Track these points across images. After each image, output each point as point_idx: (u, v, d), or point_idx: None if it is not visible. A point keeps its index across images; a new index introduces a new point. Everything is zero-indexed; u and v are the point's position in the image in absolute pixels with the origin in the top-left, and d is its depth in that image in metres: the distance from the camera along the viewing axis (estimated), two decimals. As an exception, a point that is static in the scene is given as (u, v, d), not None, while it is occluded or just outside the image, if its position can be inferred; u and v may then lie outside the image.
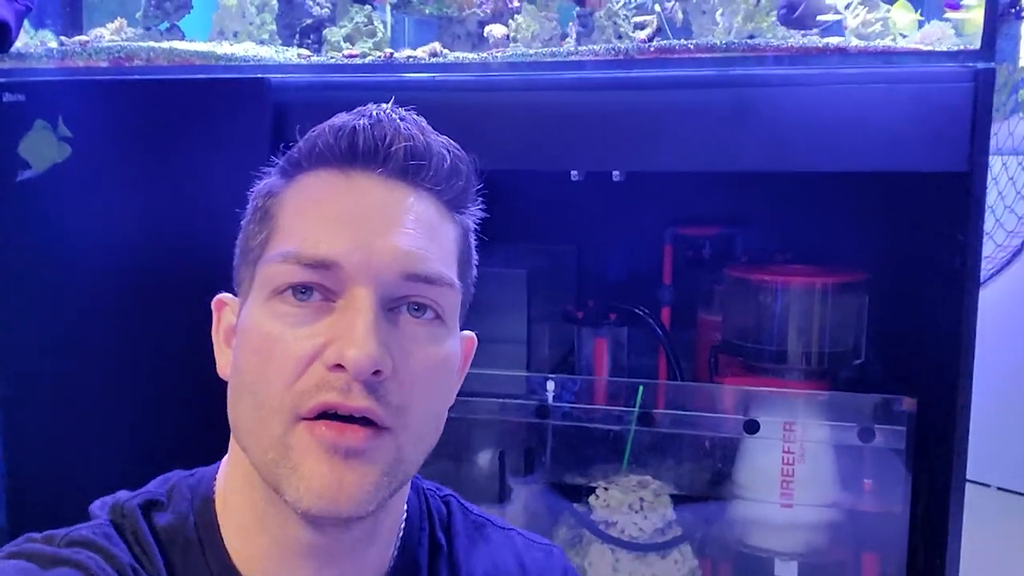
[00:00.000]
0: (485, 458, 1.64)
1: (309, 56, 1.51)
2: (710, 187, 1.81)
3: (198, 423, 1.43)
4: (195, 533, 0.62)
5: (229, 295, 0.67)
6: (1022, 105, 2.62)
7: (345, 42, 1.49)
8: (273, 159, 0.67)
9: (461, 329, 0.67)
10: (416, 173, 0.61)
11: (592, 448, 1.61)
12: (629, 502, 1.56)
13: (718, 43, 1.32)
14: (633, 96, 1.35)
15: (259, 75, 1.43)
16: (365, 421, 0.57)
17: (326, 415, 0.56)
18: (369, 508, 0.58)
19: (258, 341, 0.58)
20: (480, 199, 0.68)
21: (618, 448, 1.60)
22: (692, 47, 1.32)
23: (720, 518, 1.59)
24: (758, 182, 1.78)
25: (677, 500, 1.57)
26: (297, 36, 1.61)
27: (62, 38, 1.56)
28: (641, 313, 1.74)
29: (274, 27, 1.58)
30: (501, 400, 1.57)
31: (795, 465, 1.50)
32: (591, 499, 1.58)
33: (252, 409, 0.58)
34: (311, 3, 1.64)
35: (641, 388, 1.53)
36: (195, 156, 1.46)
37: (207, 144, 1.45)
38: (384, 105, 0.64)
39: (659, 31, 1.42)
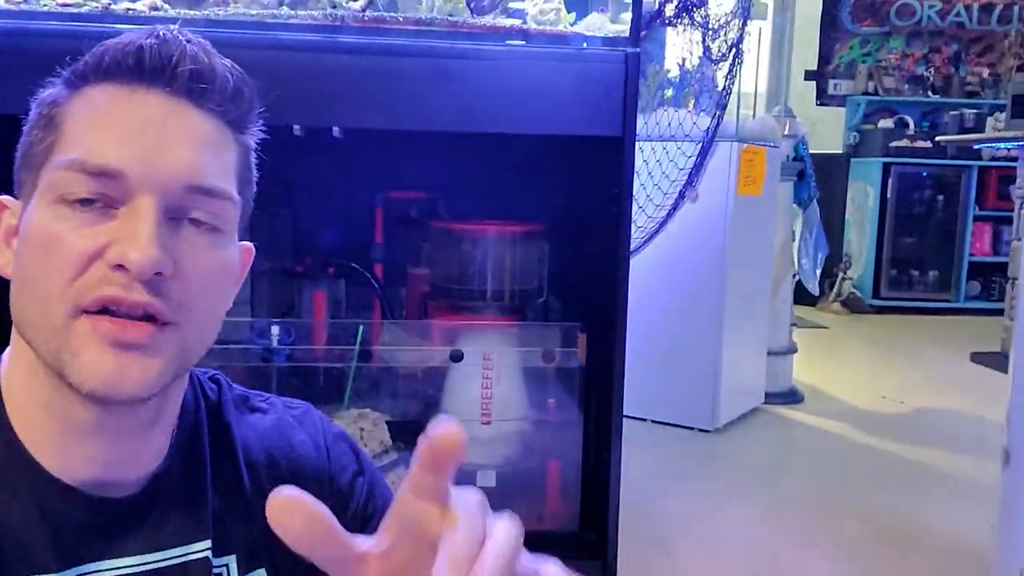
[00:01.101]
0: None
1: (19, 3, 1.48)
2: (415, 156, 2.01)
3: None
4: None
5: (9, 198, 0.68)
6: (667, 100, 3.14)
7: (57, -9, 1.48)
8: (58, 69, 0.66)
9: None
10: (200, 94, 0.63)
11: (316, 387, 1.75)
12: (351, 433, 1.71)
13: (423, 17, 1.52)
14: (347, 60, 1.50)
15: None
16: (147, 318, 0.60)
17: (107, 311, 0.59)
18: (152, 392, 0.62)
19: (41, 241, 0.61)
20: (261, 121, 0.71)
21: (340, 386, 1.75)
22: (401, 19, 1.50)
23: (431, 441, 1.79)
24: (457, 151, 2.00)
25: (393, 428, 1.75)
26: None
27: None
28: (356, 268, 1.90)
29: (-28, -31, 1.52)
30: (227, 346, 1.65)
31: (492, 388, 1.75)
32: (314, 433, 1.71)
33: (35, 303, 0.61)
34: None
35: (361, 327, 1.69)
36: None
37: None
38: (172, 27, 0.66)
39: (371, 3, 1.59)
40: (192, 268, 0.62)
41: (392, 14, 1.52)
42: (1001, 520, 1.49)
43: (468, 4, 1.62)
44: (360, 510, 0.77)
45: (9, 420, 0.66)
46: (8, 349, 0.69)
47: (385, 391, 1.79)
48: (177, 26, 0.66)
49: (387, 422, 1.75)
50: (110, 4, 1.48)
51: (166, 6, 1.49)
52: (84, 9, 1.47)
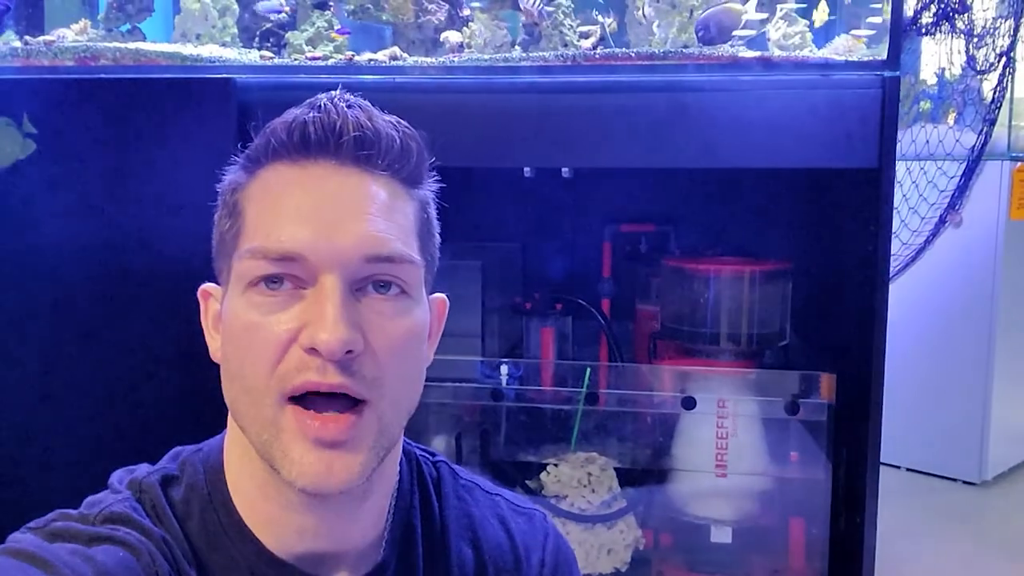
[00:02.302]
0: (441, 442, 1.73)
1: (271, 58, 1.59)
2: (645, 187, 1.95)
3: (166, 414, 1.49)
4: (210, 503, 0.67)
5: (213, 285, 0.71)
6: (923, 114, 2.86)
7: (307, 45, 1.57)
8: (234, 156, 0.69)
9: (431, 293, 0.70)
10: (368, 158, 0.64)
11: (543, 428, 1.72)
12: (578, 477, 1.67)
13: (656, 51, 1.45)
14: (581, 99, 1.46)
15: (225, 75, 1.50)
16: (345, 398, 0.61)
17: (309, 394, 0.61)
18: (359, 482, 0.63)
19: (239, 330, 0.63)
20: (435, 172, 0.71)
21: (567, 428, 1.71)
22: (633, 55, 1.45)
23: (661, 490, 1.71)
24: (689, 183, 1.92)
25: (621, 474, 1.69)
26: (257, 39, 1.68)
27: (26, 38, 1.60)
28: (584, 304, 1.87)
29: (235, 30, 1.65)
30: (457, 384, 1.66)
31: (728, 438, 1.64)
32: (542, 476, 1.69)
33: (244, 394, 0.63)
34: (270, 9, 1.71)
35: (589, 370, 1.65)
36: (163, 154, 1.50)
37: (175, 142, 1.50)
38: (333, 93, 0.66)
39: (602, 40, 1.55)
40: (382, 340, 0.62)
41: (624, 50, 1.47)
42: None
43: (697, 34, 1.53)
44: None
45: (231, 496, 0.68)
46: (227, 430, 0.72)
47: (613, 435, 1.73)
48: (338, 93, 0.67)
49: (615, 468, 1.69)
50: (353, 56, 1.54)
51: (405, 55, 1.53)
52: (330, 62, 1.54)
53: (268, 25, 1.67)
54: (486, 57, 1.52)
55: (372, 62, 1.52)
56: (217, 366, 0.68)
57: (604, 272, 1.97)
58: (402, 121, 0.67)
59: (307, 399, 0.61)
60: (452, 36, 1.55)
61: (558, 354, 1.87)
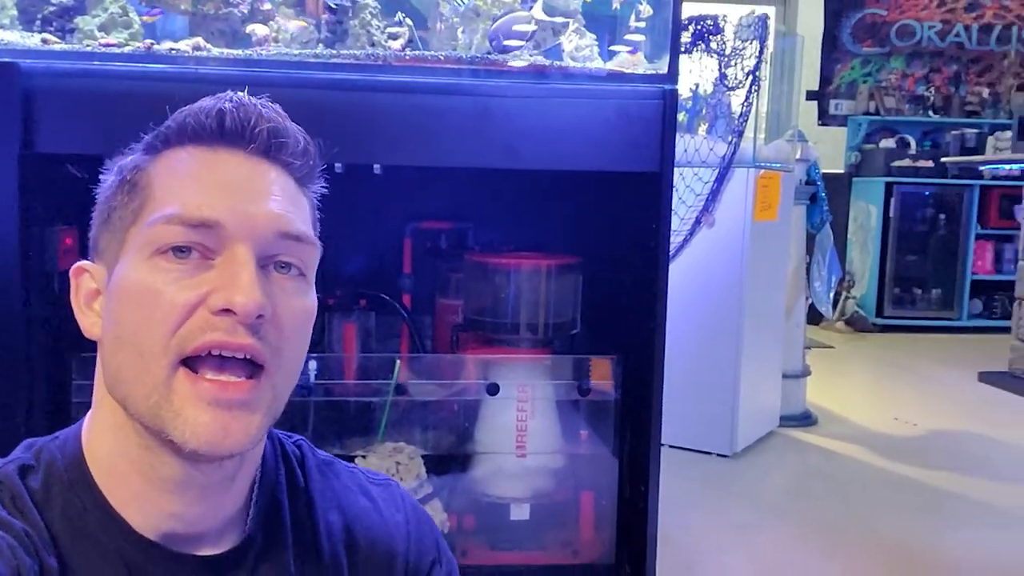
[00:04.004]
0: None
1: (55, 43, 1.49)
2: (444, 186, 2.02)
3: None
4: (71, 487, 0.66)
5: (87, 262, 0.71)
6: (680, 126, 3.16)
7: (99, 31, 1.49)
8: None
9: None
10: (277, 151, 0.68)
11: (350, 421, 1.75)
12: (386, 467, 1.71)
13: (464, 56, 1.53)
14: (390, 98, 1.51)
15: (9, 60, 1.40)
16: (241, 366, 0.62)
17: (203, 359, 0.63)
18: (251, 447, 0.65)
19: (138, 295, 0.63)
20: (322, 177, 0.75)
21: (374, 419, 1.75)
22: (442, 58, 1.52)
23: (464, 474, 1.80)
24: (486, 183, 2.01)
25: (428, 461, 1.75)
26: (39, 22, 1.57)
27: None
28: (387, 299, 1.91)
29: (15, 12, 1.53)
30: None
31: (527, 420, 1.76)
32: (351, 467, 1.71)
33: (134, 357, 0.63)
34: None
35: (398, 362, 1.70)
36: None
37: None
38: (240, 93, 0.70)
39: (411, 42, 1.60)
40: (284, 313, 0.65)
41: (433, 53, 1.54)
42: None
43: (490, 43, 1.63)
44: None
45: (96, 483, 0.67)
46: (91, 412, 0.71)
47: (419, 424, 1.79)
48: (245, 91, 0.70)
49: (422, 455, 1.75)
50: (152, 45, 1.49)
51: (208, 46, 1.50)
52: (127, 49, 1.48)
53: (51, 9, 1.56)
54: (295, 52, 1.52)
55: (173, 52, 1.48)
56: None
57: (405, 268, 2.02)
58: (301, 127, 0.71)
59: (200, 365, 0.62)
60: (259, 29, 1.54)
61: (361, 349, 1.90)
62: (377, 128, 1.49)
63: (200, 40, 1.49)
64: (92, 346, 0.70)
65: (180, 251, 0.63)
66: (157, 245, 0.64)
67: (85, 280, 0.70)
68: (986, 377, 4.46)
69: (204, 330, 0.62)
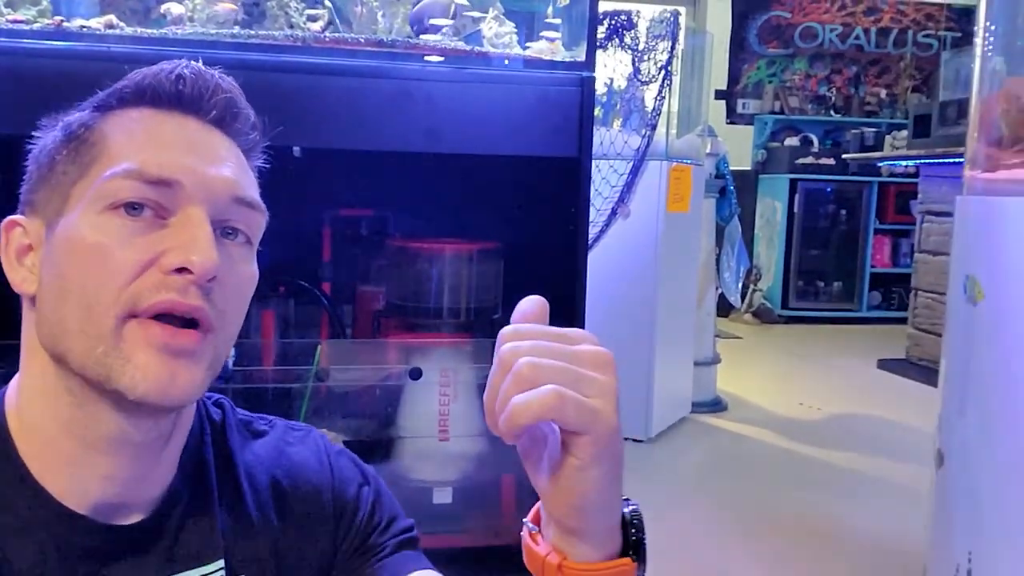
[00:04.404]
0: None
1: (-42, 16, 1.43)
2: (364, 174, 2.01)
3: None
4: None
5: (21, 216, 0.69)
6: (596, 119, 3.22)
7: (6, 7, 1.44)
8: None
9: None
10: (231, 122, 0.69)
11: (270, 408, 1.73)
12: (307, 453, 1.70)
13: (385, 39, 1.54)
14: (309, 80, 1.50)
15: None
16: (192, 324, 0.62)
17: (161, 316, 0.62)
18: (194, 398, 0.65)
19: (90, 249, 0.62)
20: (263, 152, 0.75)
21: (295, 407, 1.73)
22: (363, 40, 1.52)
23: (387, 459, 1.80)
24: (406, 169, 2.01)
25: (350, 447, 1.74)
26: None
27: None
28: (306, 286, 1.89)
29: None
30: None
31: (450, 404, 1.77)
32: (271, 454, 1.69)
33: (79, 310, 0.62)
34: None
35: (319, 347, 1.69)
36: None
37: None
38: (193, 63, 0.70)
39: (330, 24, 1.60)
40: (232, 278, 0.65)
41: (353, 35, 1.53)
42: (936, 519, 1.60)
43: (411, 26, 1.64)
44: (366, 518, 0.79)
45: (18, 453, 0.66)
46: (16, 379, 0.69)
47: (341, 411, 1.78)
48: (200, 61, 0.70)
49: (344, 442, 1.75)
50: (63, 21, 1.45)
51: (122, 24, 1.46)
52: (36, 26, 1.43)
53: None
54: (211, 32, 1.50)
55: (84, 29, 1.44)
56: None
57: (325, 255, 2.01)
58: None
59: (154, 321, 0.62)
60: (174, 8, 1.51)
61: (281, 336, 1.88)
62: (295, 111, 1.48)
63: (113, 18, 1.46)
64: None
65: (133, 208, 0.63)
66: (110, 200, 0.63)
67: (16, 235, 0.69)
68: (884, 364, 4.68)
69: (158, 289, 0.61)
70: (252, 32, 1.52)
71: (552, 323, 0.56)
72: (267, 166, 0.77)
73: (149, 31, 1.48)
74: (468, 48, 1.59)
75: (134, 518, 0.69)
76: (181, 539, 0.70)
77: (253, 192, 0.69)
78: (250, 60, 1.48)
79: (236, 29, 1.60)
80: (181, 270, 0.61)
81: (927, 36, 6.80)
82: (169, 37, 1.47)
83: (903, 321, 4.85)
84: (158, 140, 0.66)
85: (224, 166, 0.67)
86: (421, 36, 1.62)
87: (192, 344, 0.62)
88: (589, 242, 2.96)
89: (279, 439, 0.81)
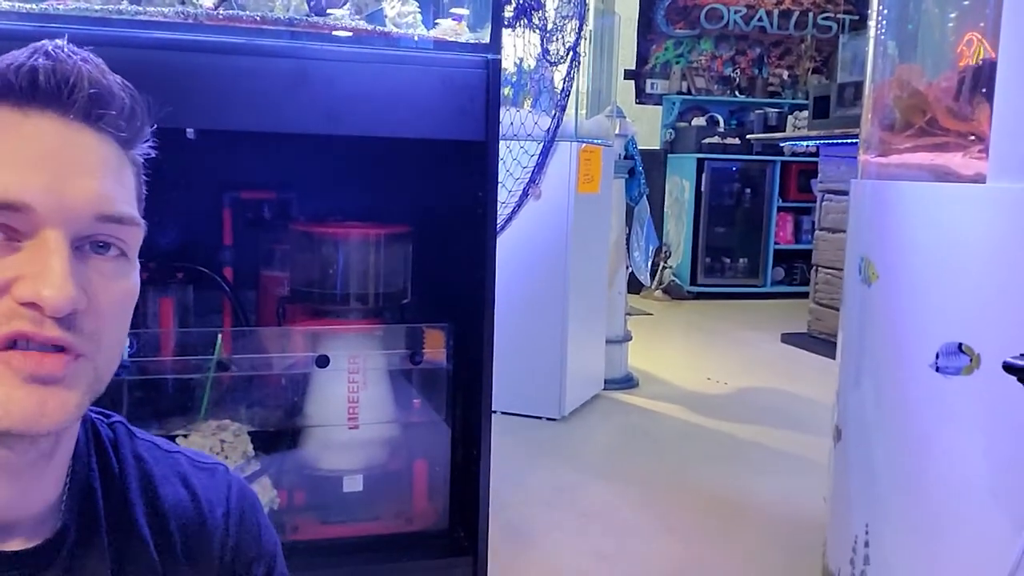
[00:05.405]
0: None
1: None
2: (265, 155, 1.95)
3: None
4: None
5: None
6: (506, 99, 3.20)
7: None
8: None
9: None
10: (99, 117, 0.61)
11: (169, 400, 1.67)
12: (210, 445, 1.65)
13: (281, 17, 1.48)
14: (202, 59, 1.44)
15: None
16: (59, 349, 0.58)
17: (16, 346, 0.57)
18: (70, 423, 0.61)
19: None
20: (150, 137, 0.69)
21: (196, 397, 1.68)
22: (259, 18, 1.46)
23: (294, 449, 1.76)
24: (309, 151, 1.96)
25: (256, 438, 1.70)
26: None
27: None
28: (207, 272, 1.83)
29: None
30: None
31: (359, 391, 1.74)
32: (172, 448, 1.63)
33: None
34: None
35: (219, 336, 1.63)
36: None
37: None
38: (59, 42, 0.61)
39: (224, 0, 1.53)
40: (103, 298, 0.61)
41: (248, 13, 1.48)
42: (835, 492, 1.65)
43: (309, 4, 1.59)
44: None
45: None
46: None
47: (245, 401, 1.73)
48: (65, 40, 0.63)
49: (249, 432, 1.70)
50: (-71, -8, 1.34)
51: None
52: None
53: None
54: (96, 8, 1.42)
55: (-47, 1, 1.34)
56: None
57: (225, 240, 1.94)
58: (127, 82, 0.64)
59: (8, 351, 0.57)
60: (54, -19, 1.42)
61: (180, 325, 1.81)
62: (187, 91, 1.41)
63: (-16, -9, 1.36)
64: None
65: None
66: None
67: None
68: (788, 338, 4.83)
69: (9, 318, 0.56)
70: (141, 9, 1.44)
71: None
72: (154, 153, 0.70)
73: (28, 6, 1.39)
74: (370, 28, 1.55)
75: (17, 542, 0.65)
76: (71, 568, 0.66)
77: (123, 206, 0.62)
78: (139, 38, 1.40)
79: (124, 4, 1.52)
80: (33, 304, 0.56)
81: (826, 19, 7.01)
82: (50, 12, 1.39)
83: (805, 296, 5.02)
84: (8, 153, 0.58)
85: (87, 177, 0.60)
86: (319, 15, 1.57)
87: (60, 371, 0.58)
88: (501, 223, 2.96)
89: (181, 478, 0.76)
